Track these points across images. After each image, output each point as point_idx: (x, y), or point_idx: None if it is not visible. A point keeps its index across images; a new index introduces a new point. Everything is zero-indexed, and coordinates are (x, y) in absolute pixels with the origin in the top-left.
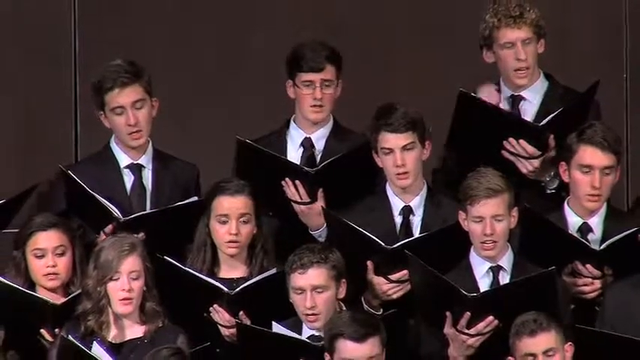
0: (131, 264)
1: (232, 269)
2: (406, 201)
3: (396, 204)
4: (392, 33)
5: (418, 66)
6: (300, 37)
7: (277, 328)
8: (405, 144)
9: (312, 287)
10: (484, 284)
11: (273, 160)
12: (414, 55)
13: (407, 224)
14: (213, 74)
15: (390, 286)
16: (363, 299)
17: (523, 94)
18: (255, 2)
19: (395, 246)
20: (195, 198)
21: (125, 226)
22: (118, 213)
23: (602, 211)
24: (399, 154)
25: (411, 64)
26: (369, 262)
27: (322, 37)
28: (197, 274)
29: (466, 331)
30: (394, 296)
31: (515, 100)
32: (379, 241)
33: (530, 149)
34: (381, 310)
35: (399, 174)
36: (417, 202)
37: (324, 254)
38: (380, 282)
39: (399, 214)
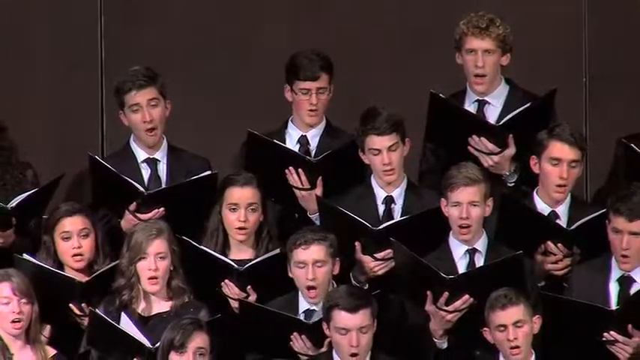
0: (157, 246)
1: (241, 252)
2: (388, 191)
3: (380, 194)
4: (379, 43)
5: (401, 71)
6: (298, 46)
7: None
8: (390, 145)
9: (314, 261)
10: (461, 265)
11: (279, 150)
12: (397, 62)
13: (389, 211)
14: (224, 78)
15: (375, 263)
16: (351, 275)
17: (487, 98)
18: (260, 16)
19: (380, 227)
20: (209, 172)
21: (148, 200)
22: (141, 187)
23: (567, 200)
24: (386, 154)
25: (394, 71)
26: (356, 243)
27: (318, 46)
28: (211, 252)
29: (445, 308)
30: (379, 272)
31: (480, 104)
32: (366, 224)
33: (490, 146)
34: (367, 285)
35: (385, 171)
36: (398, 193)
37: (324, 234)
38: (367, 260)
39: (382, 203)
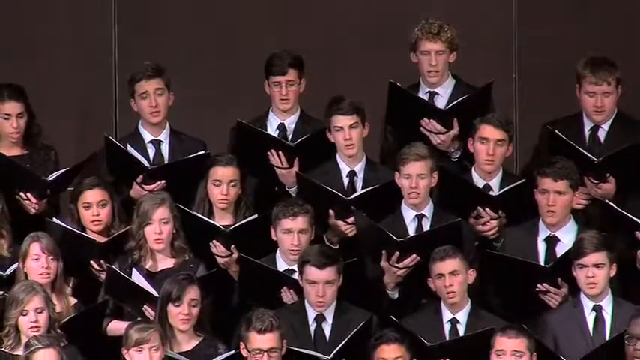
0: (161, 213)
1: (223, 219)
2: (351, 167)
3: (344, 169)
4: (347, 43)
5: (367, 67)
6: (278, 48)
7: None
8: (351, 123)
9: (299, 229)
10: (411, 228)
11: (263, 137)
12: (364, 59)
13: (352, 184)
14: (217, 75)
15: (347, 227)
16: (325, 237)
17: (437, 90)
18: (248, 23)
19: (352, 197)
20: (203, 152)
21: (152, 174)
22: (146, 163)
23: (499, 175)
24: (347, 131)
25: (361, 67)
26: (331, 210)
27: (296, 46)
28: (202, 217)
29: (396, 265)
30: (350, 234)
31: (431, 95)
32: (339, 194)
33: (438, 127)
34: (338, 245)
35: (347, 145)
36: (359, 168)
37: (307, 207)
38: (339, 224)
39: (347, 177)
